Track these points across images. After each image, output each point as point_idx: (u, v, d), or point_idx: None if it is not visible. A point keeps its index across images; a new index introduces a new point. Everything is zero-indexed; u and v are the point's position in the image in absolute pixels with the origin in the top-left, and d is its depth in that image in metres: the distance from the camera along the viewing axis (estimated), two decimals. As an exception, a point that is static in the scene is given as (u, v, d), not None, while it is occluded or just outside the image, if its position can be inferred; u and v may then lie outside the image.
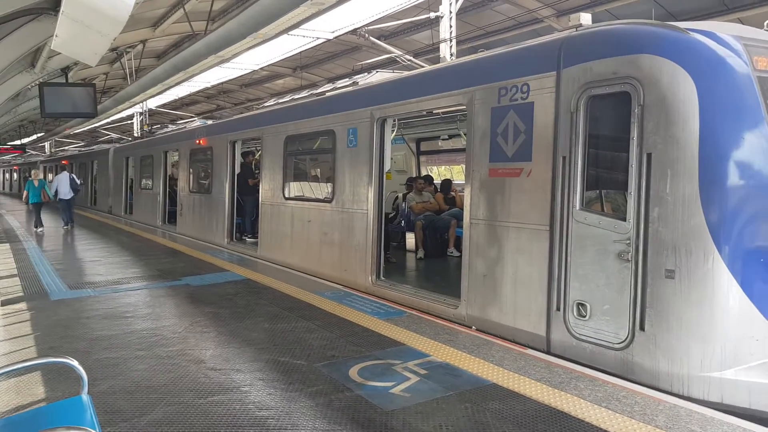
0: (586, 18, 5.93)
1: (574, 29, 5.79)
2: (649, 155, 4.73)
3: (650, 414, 4.10)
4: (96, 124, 28.77)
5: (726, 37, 4.88)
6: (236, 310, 7.13)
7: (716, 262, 4.46)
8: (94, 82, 15.42)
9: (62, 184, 17.54)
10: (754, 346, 4.50)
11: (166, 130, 20.66)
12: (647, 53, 4.86)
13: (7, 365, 3.16)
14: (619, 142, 4.99)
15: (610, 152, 5.18)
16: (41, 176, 22.32)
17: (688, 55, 4.73)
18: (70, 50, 7.58)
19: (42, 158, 42.47)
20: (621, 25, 5.38)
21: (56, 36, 6.73)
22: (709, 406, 4.30)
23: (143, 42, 16.14)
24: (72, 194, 17.69)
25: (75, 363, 3.17)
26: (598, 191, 5.25)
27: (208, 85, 25.63)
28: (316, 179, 10.39)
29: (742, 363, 4.47)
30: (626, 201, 4.89)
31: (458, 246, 9.28)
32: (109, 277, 9.41)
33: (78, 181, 18.58)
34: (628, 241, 4.86)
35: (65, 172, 18.75)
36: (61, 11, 6.08)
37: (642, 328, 4.75)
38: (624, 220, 4.90)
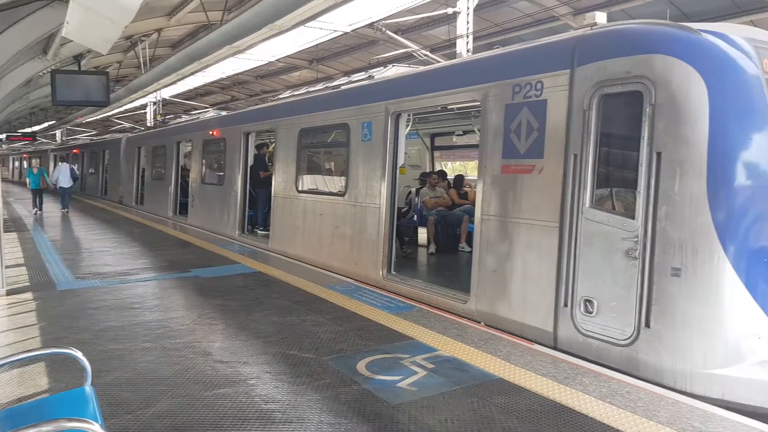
0: (601, 17, 5.96)
1: (589, 28, 5.81)
2: (659, 154, 4.76)
3: (653, 410, 4.15)
4: (108, 113, 29.00)
5: (737, 39, 4.89)
6: (245, 302, 7.21)
7: (721, 260, 4.50)
8: (107, 70, 15.54)
9: (63, 174, 20.27)
10: (755, 343, 4.53)
11: (179, 120, 20.78)
12: (660, 53, 4.88)
13: (10, 355, 3.16)
14: (630, 141, 5.02)
15: (620, 151, 5.21)
16: (40, 165, 25.92)
17: (700, 56, 4.74)
18: (81, 37, 7.59)
19: (53, 146, 42.54)
20: (635, 25, 5.40)
21: (67, 23, 6.73)
22: (711, 403, 4.35)
23: (158, 31, 16.25)
24: (71, 183, 20.52)
25: (78, 354, 3.16)
26: (607, 189, 5.28)
27: (223, 76, 25.78)
28: (329, 173, 10.47)
29: (744, 360, 4.51)
30: (635, 199, 4.93)
31: (470, 241, 9.32)
32: (117, 267, 9.49)
33: (77, 172, 22.06)
34: (635, 239, 4.89)
35: (65, 163, 21.31)
36: (72, -3, 6.11)
37: (647, 325, 4.80)
38: (632, 218, 4.94)
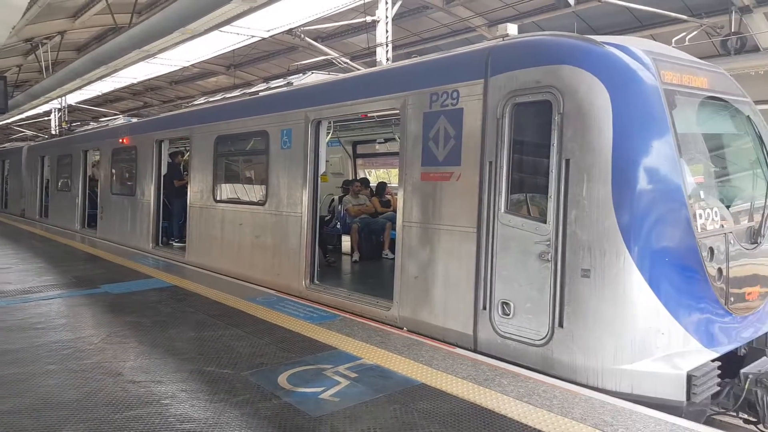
0: (512, 29, 6.17)
1: (501, 39, 6.01)
2: (567, 161, 4.97)
3: (567, 407, 4.31)
4: (7, 120, 27.21)
5: (638, 51, 5.20)
6: (160, 318, 6.89)
7: (627, 261, 4.75)
8: (5, 75, 14.60)
9: None
10: (660, 339, 4.82)
11: (86, 127, 19.78)
12: (567, 64, 5.11)
13: None
14: (541, 148, 5.22)
15: (532, 157, 5.41)
16: None
17: (604, 67, 5.01)
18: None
19: None
20: (544, 37, 5.63)
21: None
22: (621, 397, 4.58)
23: (61, 33, 15.45)
24: None
25: None
26: (521, 195, 5.46)
27: (134, 81, 24.68)
28: (248, 181, 10.24)
29: (649, 355, 4.78)
30: (547, 204, 5.12)
31: (393, 248, 9.38)
32: (19, 285, 8.83)
33: None
34: (548, 243, 5.09)
35: None
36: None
37: (561, 325, 4.99)
38: (545, 222, 5.13)
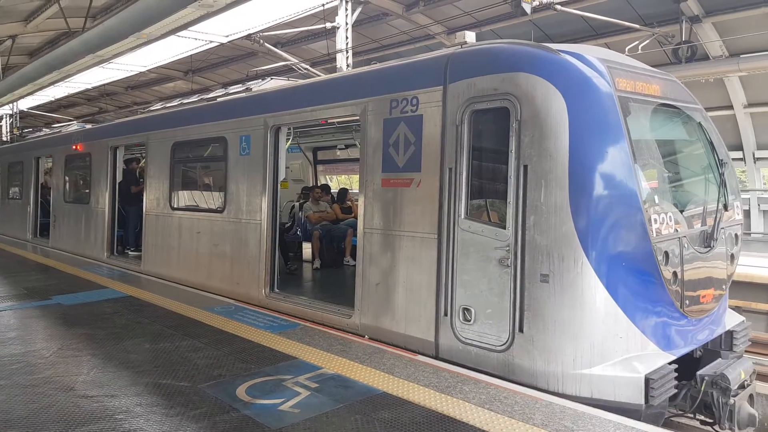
0: (470, 36, 6.21)
1: (460, 46, 6.04)
2: (525, 167, 5.01)
3: (528, 413, 4.32)
4: (-44, 126, 26.24)
5: (593, 59, 5.28)
6: (114, 330, 6.68)
7: (585, 266, 4.80)
8: (-49, 79, 14.08)
9: None
10: (618, 343, 4.88)
11: (39, 134, 19.18)
12: (524, 72, 5.15)
13: None
14: (500, 155, 5.25)
15: (491, 164, 5.44)
16: None
17: (560, 75, 5.07)
18: None
19: None
20: (501, 45, 5.68)
21: None
22: (582, 402, 4.61)
23: (12, 37, 14.99)
24: None
25: None
26: (481, 200, 5.49)
27: (89, 87, 24.10)
28: (206, 188, 10.05)
29: (608, 359, 4.83)
30: (506, 210, 5.15)
31: (355, 255, 9.32)
32: (-34, 297, 8.49)
33: None
34: (507, 248, 5.11)
35: None
36: None
37: (521, 330, 5.01)
38: (504, 228, 5.15)
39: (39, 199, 16.21)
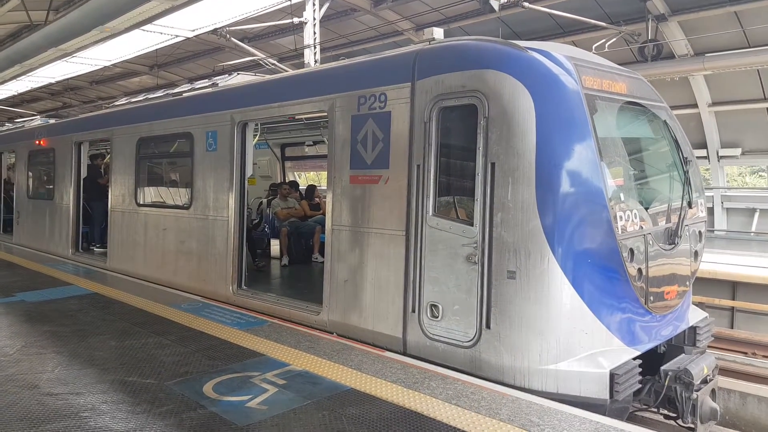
0: (438, 33, 6.20)
1: (428, 43, 6.04)
2: (492, 164, 5.04)
3: (495, 408, 4.36)
4: None
5: (560, 56, 5.33)
6: (79, 327, 6.56)
7: (551, 262, 4.85)
8: None
9: None
10: (583, 338, 4.95)
11: (1, 129, 18.68)
12: (491, 69, 5.18)
13: None
14: (467, 152, 5.27)
15: (459, 161, 5.46)
16: None
17: (527, 72, 5.10)
18: None
19: None
20: (469, 41, 5.69)
21: None
22: (548, 397, 4.67)
23: (-28, 30, 14.51)
24: None
25: None
26: (449, 198, 5.50)
27: (52, 81, 23.49)
28: (172, 184, 9.89)
29: (573, 355, 4.90)
30: (474, 207, 5.17)
31: (323, 252, 9.28)
32: (-74, 295, 8.25)
33: None
34: (475, 245, 5.14)
35: None
36: None
37: (488, 326, 5.04)
38: (472, 225, 5.18)
39: (2, 195, 15.81)
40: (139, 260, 9.72)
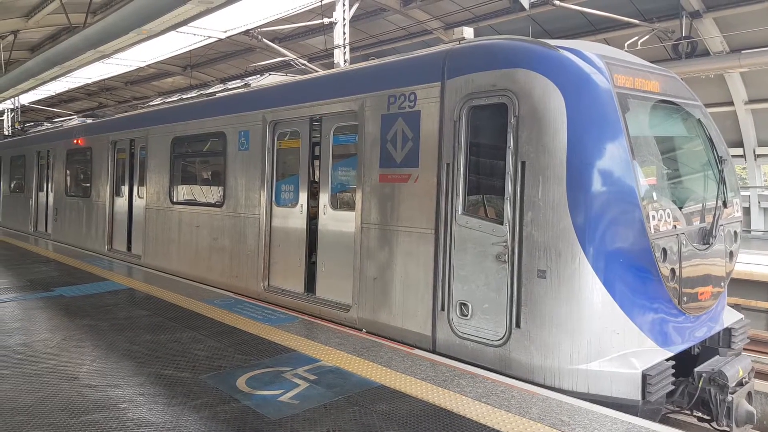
0: (468, 32, 6.22)
1: (458, 42, 6.05)
2: (523, 163, 5.04)
3: (525, 407, 4.36)
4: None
5: (591, 55, 5.29)
6: (116, 321, 6.75)
7: (582, 262, 4.82)
8: (-46, 74, 14.11)
9: None
10: (615, 339, 4.91)
11: (40, 128, 19.23)
12: (522, 68, 5.17)
13: None
14: (497, 151, 5.28)
15: (489, 160, 5.46)
16: None
17: (558, 71, 5.08)
18: None
19: None
20: (499, 41, 5.69)
21: None
22: (578, 397, 4.65)
23: (14, 33, 15.01)
24: None
25: None
26: (478, 196, 5.51)
27: (89, 82, 24.09)
28: (205, 183, 10.08)
29: (605, 355, 4.86)
30: (503, 206, 5.17)
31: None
32: (-30, 289, 8.57)
33: None
34: (505, 244, 5.14)
35: None
36: None
37: (518, 326, 5.04)
38: (501, 223, 5.18)
39: (39, 192, 16.29)
40: (173, 257, 9.93)
